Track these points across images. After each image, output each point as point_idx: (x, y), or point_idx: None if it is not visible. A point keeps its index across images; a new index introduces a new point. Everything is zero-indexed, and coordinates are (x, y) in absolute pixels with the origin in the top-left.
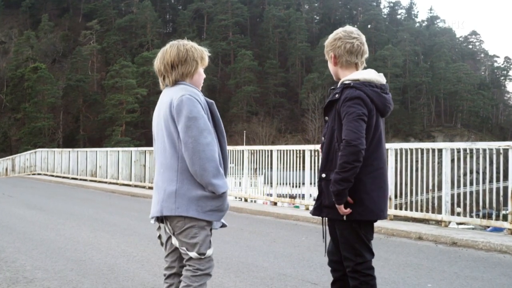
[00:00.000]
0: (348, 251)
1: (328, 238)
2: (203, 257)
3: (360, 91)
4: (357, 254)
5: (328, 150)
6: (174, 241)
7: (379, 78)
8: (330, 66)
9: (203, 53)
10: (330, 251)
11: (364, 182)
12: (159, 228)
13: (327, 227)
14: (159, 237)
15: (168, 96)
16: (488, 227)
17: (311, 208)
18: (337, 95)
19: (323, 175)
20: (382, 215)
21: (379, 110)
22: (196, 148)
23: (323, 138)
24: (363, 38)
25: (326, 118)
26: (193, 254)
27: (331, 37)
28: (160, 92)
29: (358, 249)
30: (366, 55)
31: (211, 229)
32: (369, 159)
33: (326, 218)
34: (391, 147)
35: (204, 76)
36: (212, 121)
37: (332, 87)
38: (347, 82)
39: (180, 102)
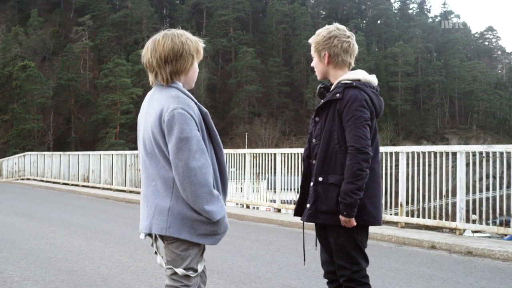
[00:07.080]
0: (343, 259)
1: (318, 246)
2: (192, 275)
3: (365, 93)
4: (353, 262)
5: (325, 152)
6: (160, 259)
7: (374, 79)
8: (319, 64)
9: (198, 45)
10: (324, 261)
11: (367, 187)
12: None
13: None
14: (156, 252)
15: (159, 103)
16: (506, 235)
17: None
18: (338, 95)
19: (320, 179)
20: (381, 221)
21: (376, 112)
22: (186, 173)
23: (313, 140)
24: (354, 37)
25: (317, 118)
26: (179, 270)
27: (322, 34)
28: None
29: (354, 256)
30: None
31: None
32: (371, 164)
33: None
34: (402, 150)
35: (198, 70)
36: (207, 133)
37: (322, 85)
38: (348, 82)
39: (171, 118)
